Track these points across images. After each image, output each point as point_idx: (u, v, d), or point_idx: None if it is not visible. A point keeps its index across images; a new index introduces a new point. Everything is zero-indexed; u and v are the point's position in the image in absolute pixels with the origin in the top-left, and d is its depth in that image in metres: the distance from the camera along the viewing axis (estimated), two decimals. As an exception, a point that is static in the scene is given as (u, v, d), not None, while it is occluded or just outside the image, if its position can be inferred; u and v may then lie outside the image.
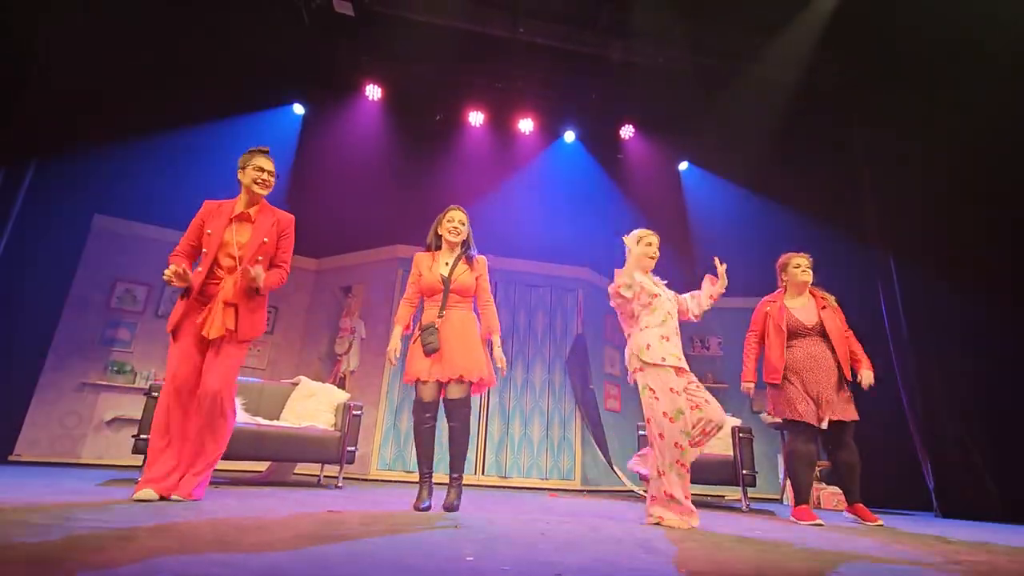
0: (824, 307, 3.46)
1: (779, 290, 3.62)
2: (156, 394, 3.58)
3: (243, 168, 2.74)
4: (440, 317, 2.85)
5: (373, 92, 6.70)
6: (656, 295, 2.95)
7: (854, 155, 5.59)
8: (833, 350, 3.34)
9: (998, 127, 4.58)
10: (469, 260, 3.01)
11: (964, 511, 4.16)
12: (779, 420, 3.55)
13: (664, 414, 2.71)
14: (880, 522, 3.13)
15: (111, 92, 5.33)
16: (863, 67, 5.60)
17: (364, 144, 6.99)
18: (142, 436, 3.49)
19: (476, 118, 7.01)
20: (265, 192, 2.75)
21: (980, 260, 4.61)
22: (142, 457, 3.51)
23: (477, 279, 2.98)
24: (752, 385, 3.49)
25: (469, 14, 5.76)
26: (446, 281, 2.91)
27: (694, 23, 5.77)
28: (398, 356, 2.88)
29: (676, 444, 2.68)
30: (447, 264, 2.97)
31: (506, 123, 7.11)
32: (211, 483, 3.52)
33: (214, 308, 2.56)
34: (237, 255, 2.63)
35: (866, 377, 3.36)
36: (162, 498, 2.42)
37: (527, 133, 7.17)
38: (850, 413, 3.24)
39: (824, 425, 3.22)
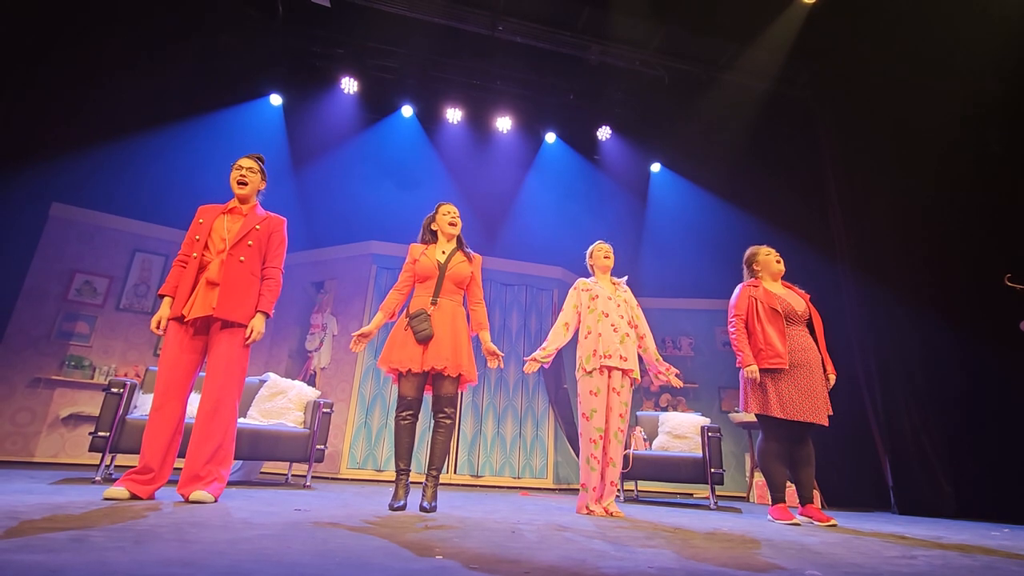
0: (808, 298, 3.40)
1: (754, 279, 3.49)
2: (116, 390, 3.45)
3: (232, 172, 2.81)
4: (433, 304, 2.82)
5: (349, 85, 6.59)
6: (596, 296, 3.31)
7: (823, 168, 5.72)
8: (817, 343, 3.24)
9: (962, 148, 4.76)
10: (466, 253, 3.01)
11: (921, 509, 4.32)
12: (748, 419, 3.58)
13: (583, 415, 3.17)
14: (834, 522, 3.01)
15: (75, 78, 5.11)
16: (833, 80, 5.74)
17: (339, 138, 6.88)
18: (100, 433, 3.36)
19: (453, 115, 6.96)
20: (244, 191, 2.77)
21: (941, 273, 4.81)
22: (99, 456, 3.39)
23: (472, 274, 2.97)
24: (757, 368, 3.18)
25: (447, 10, 5.72)
26: (442, 267, 2.90)
27: (670, 28, 5.84)
28: (367, 339, 2.84)
29: (591, 440, 3.11)
30: (444, 253, 2.97)
31: (483, 121, 7.07)
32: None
33: (198, 289, 2.57)
34: (227, 238, 2.65)
35: (831, 381, 3.28)
36: (134, 496, 2.35)
37: (504, 132, 7.14)
38: (826, 416, 3.11)
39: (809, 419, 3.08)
